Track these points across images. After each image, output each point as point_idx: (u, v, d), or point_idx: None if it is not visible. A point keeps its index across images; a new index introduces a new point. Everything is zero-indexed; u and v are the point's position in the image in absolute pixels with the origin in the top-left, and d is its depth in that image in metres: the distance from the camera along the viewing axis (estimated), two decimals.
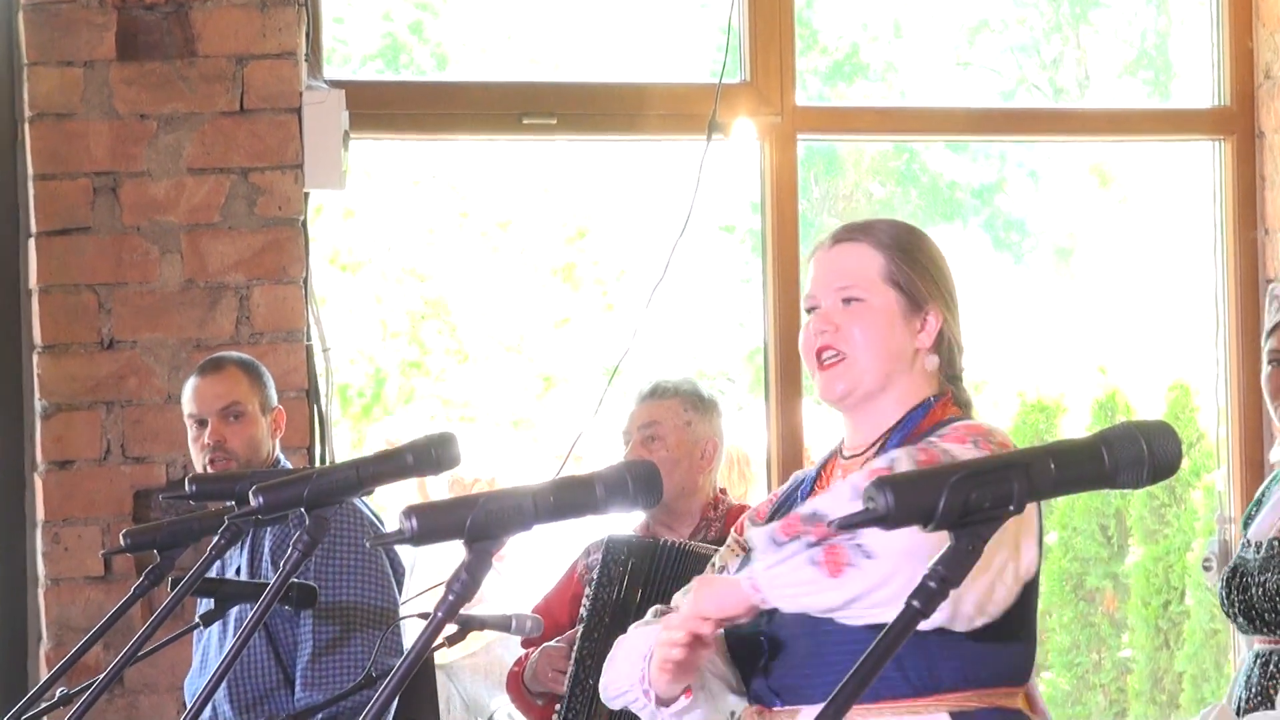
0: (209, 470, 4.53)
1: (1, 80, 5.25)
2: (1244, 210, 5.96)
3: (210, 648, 4.52)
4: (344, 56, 9.85)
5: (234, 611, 4.17)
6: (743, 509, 3.87)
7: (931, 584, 1.84)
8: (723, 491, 4.63)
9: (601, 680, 3.04)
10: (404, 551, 4.67)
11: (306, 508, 2.64)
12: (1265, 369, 4.37)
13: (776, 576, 2.81)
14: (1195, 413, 9.24)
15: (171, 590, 3.08)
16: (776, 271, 5.65)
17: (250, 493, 2.65)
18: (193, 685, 4.60)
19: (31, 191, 5.17)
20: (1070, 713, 9.46)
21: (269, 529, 4.38)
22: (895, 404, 3.00)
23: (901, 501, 1.85)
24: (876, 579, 2.73)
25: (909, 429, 2.99)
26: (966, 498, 1.85)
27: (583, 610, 4.39)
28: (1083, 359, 10.54)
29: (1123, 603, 9.33)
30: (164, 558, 3.17)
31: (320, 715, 4.20)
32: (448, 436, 2.67)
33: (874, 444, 3.00)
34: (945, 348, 3.04)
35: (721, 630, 2.92)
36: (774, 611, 2.87)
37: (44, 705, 3.40)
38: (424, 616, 2.23)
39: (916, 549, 2.65)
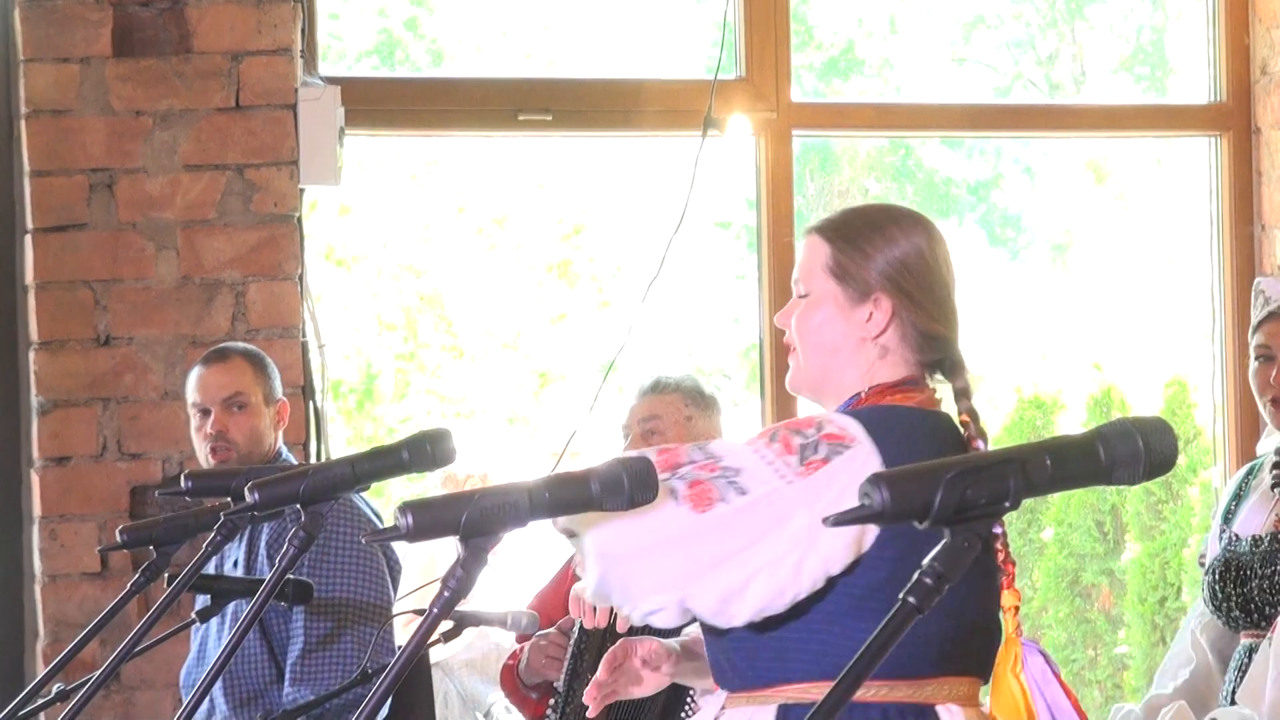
0: (210, 460, 4.54)
1: None
2: (1240, 206, 5.96)
3: (208, 640, 4.52)
4: (339, 53, 9.85)
5: (231, 605, 4.17)
6: None
7: (928, 580, 1.84)
8: None
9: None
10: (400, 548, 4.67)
11: (302, 504, 2.64)
12: (1252, 364, 4.39)
13: (612, 540, 2.67)
14: (1192, 409, 9.24)
15: (168, 586, 3.08)
16: (772, 268, 5.66)
17: (246, 489, 2.66)
18: (189, 676, 4.60)
19: (28, 188, 5.17)
20: None
21: (266, 524, 4.38)
22: (837, 396, 2.98)
23: (897, 497, 1.85)
24: (743, 539, 2.66)
25: None
26: (962, 494, 1.85)
27: None
28: (1079, 355, 10.54)
29: (1119, 599, 9.33)
30: (160, 554, 3.17)
31: (313, 712, 4.21)
32: (443, 432, 2.67)
33: None
34: (911, 335, 2.96)
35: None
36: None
37: (41, 701, 3.40)
38: (419, 613, 2.23)
39: (785, 514, 2.63)
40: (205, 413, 4.56)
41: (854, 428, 2.80)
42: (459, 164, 10.96)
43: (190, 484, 3.14)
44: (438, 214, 11.12)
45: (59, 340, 5.17)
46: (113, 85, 5.20)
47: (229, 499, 3.08)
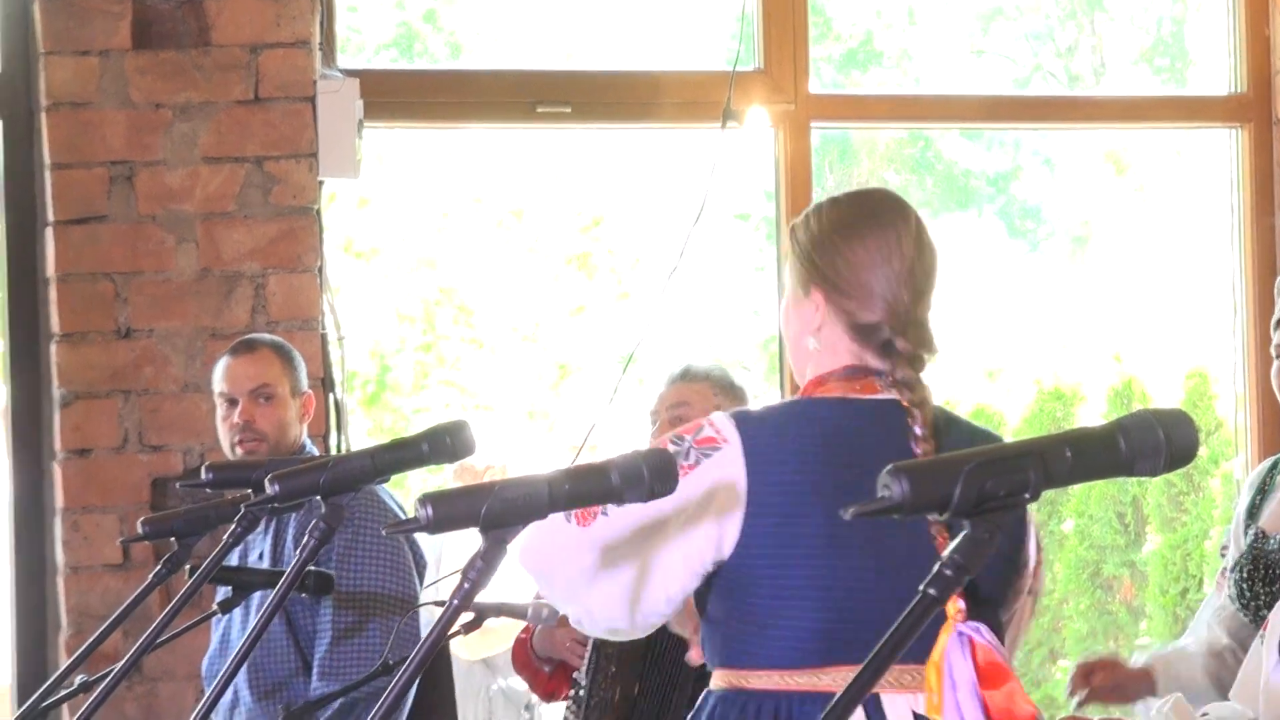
0: (236, 450, 4.55)
1: (18, 70, 5.26)
2: (1261, 197, 5.95)
3: (232, 631, 4.53)
4: (358, 45, 9.85)
5: (257, 597, 4.17)
6: None
7: (948, 572, 1.84)
8: None
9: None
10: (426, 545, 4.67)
11: (323, 495, 2.64)
12: (1275, 363, 4.31)
13: (531, 544, 2.97)
14: (1213, 400, 9.23)
15: (189, 578, 3.08)
16: None
17: (266, 480, 2.66)
18: (212, 668, 4.61)
19: (48, 180, 5.18)
20: None
21: (293, 516, 4.39)
22: (804, 388, 3.07)
23: (916, 489, 1.84)
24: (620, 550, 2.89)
25: None
26: (982, 486, 1.85)
27: None
28: (1099, 347, 10.53)
29: (1140, 591, 9.32)
30: (181, 545, 3.17)
31: (337, 703, 4.21)
32: (462, 424, 2.67)
33: None
34: (845, 326, 3.00)
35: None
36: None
37: (63, 692, 3.41)
38: (440, 604, 2.24)
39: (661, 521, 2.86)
40: (232, 403, 4.57)
41: (729, 429, 2.93)
42: (477, 156, 10.97)
43: (211, 476, 3.15)
44: (456, 206, 11.13)
45: (80, 332, 5.18)
46: (132, 78, 5.21)
47: (250, 491, 3.09)
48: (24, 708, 3.26)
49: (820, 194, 5.98)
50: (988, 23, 11.01)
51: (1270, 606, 4.10)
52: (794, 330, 3.07)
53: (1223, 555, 4.33)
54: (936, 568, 1.84)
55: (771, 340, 9.07)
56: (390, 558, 4.42)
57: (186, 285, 5.22)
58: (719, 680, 2.99)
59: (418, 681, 4.41)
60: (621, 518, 2.86)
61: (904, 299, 2.98)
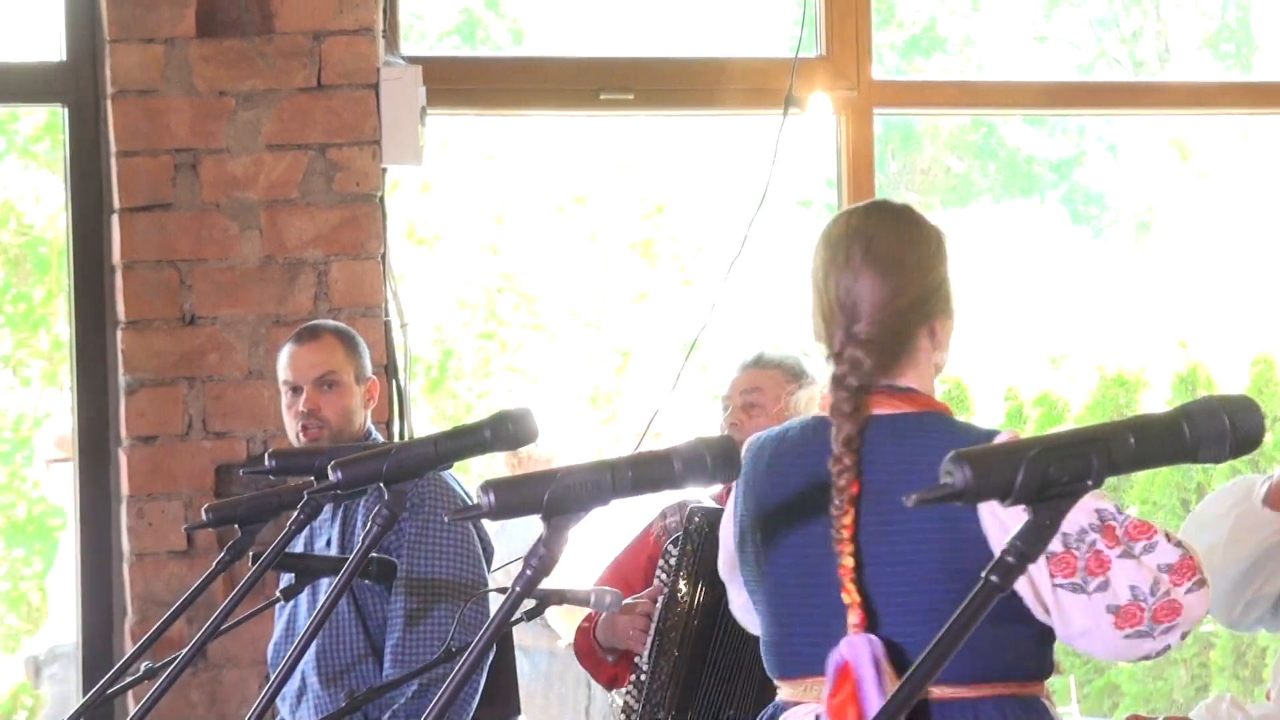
0: (301, 438, 4.55)
1: (84, 57, 5.29)
2: None
3: (298, 618, 4.54)
4: (421, 32, 9.87)
5: (324, 582, 4.18)
6: None
7: (1010, 559, 1.84)
8: None
9: None
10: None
11: (385, 483, 2.65)
12: None
13: None
14: (1279, 387, 9.17)
15: (253, 565, 3.09)
16: None
17: (329, 467, 2.67)
18: (277, 653, 4.62)
19: (115, 168, 5.21)
20: (1152, 688, 9.41)
21: (361, 503, 4.40)
22: None
23: (978, 475, 1.84)
24: None
25: None
26: (1044, 472, 1.84)
27: (660, 578, 4.35)
28: (1163, 333, 10.47)
29: None
30: (245, 532, 3.19)
31: (411, 687, 4.22)
32: (525, 411, 2.67)
33: None
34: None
35: None
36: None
37: (129, 679, 3.43)
38: (502, 592, 2.24)
39: None
40: (297, 390, 4.58)
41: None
42: (540, 143, 10.98)
43: (274, 463, 3.16)
44: (519, 193, 11.14)
45: (145, 319, 5.21)
46: (196, 66, 5.23)
47: (313, 478, 3.10)
48: (89, 695, 3.28)
49: (882, 181, 5.96)
50: (1051, 8, 10.95)
51: None
52: None
53: None
54: (999, 555, 1.84)
55: None
56: (460, 545, 4.43)
57: (250, 272, 5.24)
58: None
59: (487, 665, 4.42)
60: None
61: (838, 320, 3.10)
